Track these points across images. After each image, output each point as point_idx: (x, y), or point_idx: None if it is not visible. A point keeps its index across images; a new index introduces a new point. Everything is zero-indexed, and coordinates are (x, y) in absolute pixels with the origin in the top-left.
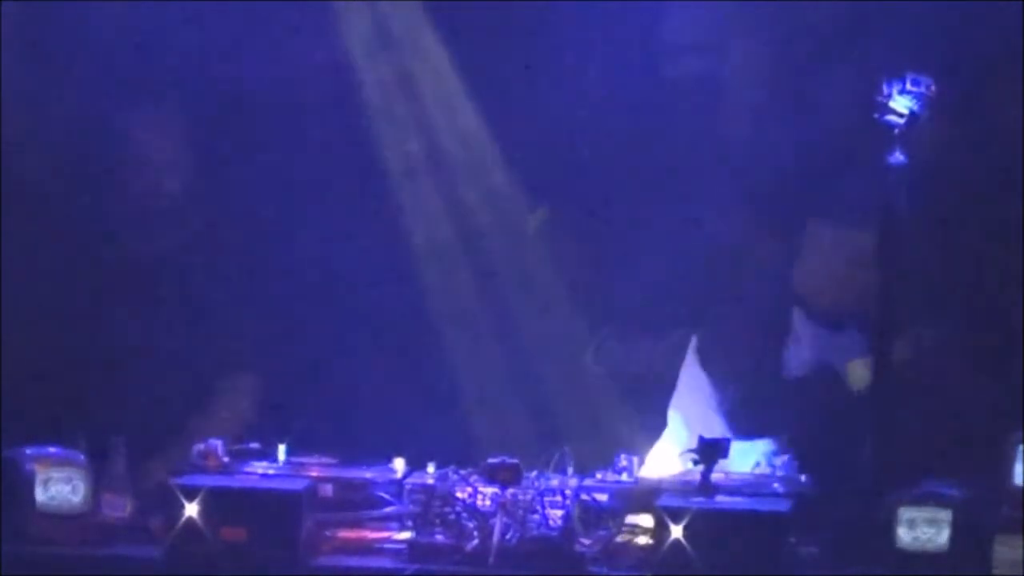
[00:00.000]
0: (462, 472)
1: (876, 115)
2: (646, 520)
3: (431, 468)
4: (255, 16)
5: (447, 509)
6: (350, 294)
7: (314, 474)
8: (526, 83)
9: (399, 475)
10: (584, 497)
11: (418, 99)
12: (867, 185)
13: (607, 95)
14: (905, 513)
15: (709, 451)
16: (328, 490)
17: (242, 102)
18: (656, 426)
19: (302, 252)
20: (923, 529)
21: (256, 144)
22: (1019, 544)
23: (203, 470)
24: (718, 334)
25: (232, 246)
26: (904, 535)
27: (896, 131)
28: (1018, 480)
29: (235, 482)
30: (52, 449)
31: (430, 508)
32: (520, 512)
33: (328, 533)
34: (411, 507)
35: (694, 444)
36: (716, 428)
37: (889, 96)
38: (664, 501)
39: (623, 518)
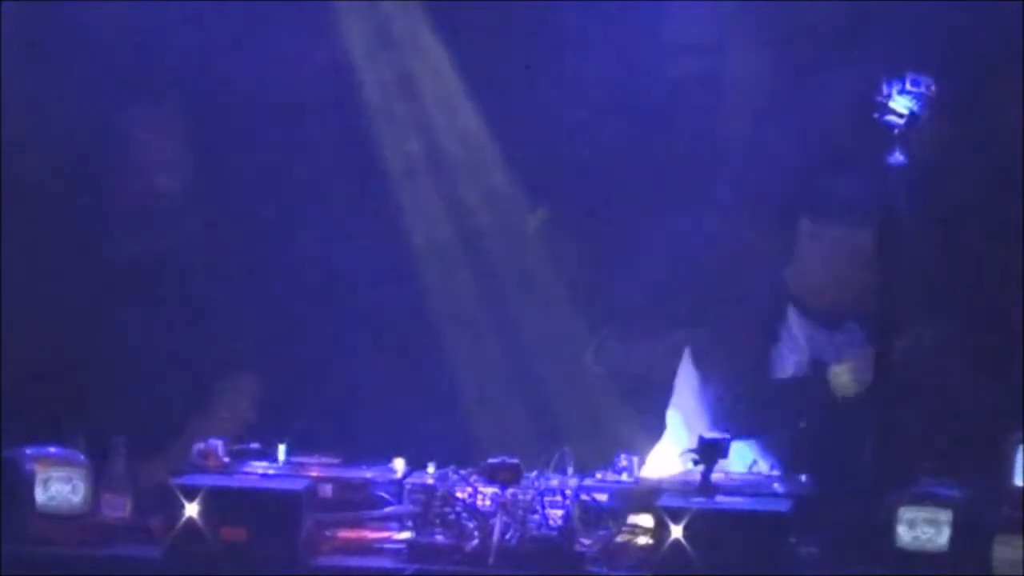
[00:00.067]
0: (462, 472)
1: (876, 115)
2: (646, 520)
3: (431, 468)
4: (255, 16)
5: (447, 509)
6: (350, 294)
7: (314, 474)
8: (526, 83)
9: (399, 475)
10: (584, 497)
11: (418, 99)
12: (867, 185)
13: (607, 95)
14: (905, 513)
15: (709, 451)
16: (328, 490)
17: (242, 102)
18: (656, 426)
19: (302, 252)
20: (923, 529)
21: (256, 144)
22: (1019, 544)
23: (203, 470)
24: (718, 334)
25: (232, 246)
26: (904, 535)
27: (896, 131)
28: (1018, 480)
29: (235, 482)
30: (52, 449)
31: (430, 508)
32: (520, 512)
33: (328, 533)
34: (411, 507)
35: (693, 444)
36: (714, 428)
37: (889, 96)
38: (664, 501)
39: (623, 518)
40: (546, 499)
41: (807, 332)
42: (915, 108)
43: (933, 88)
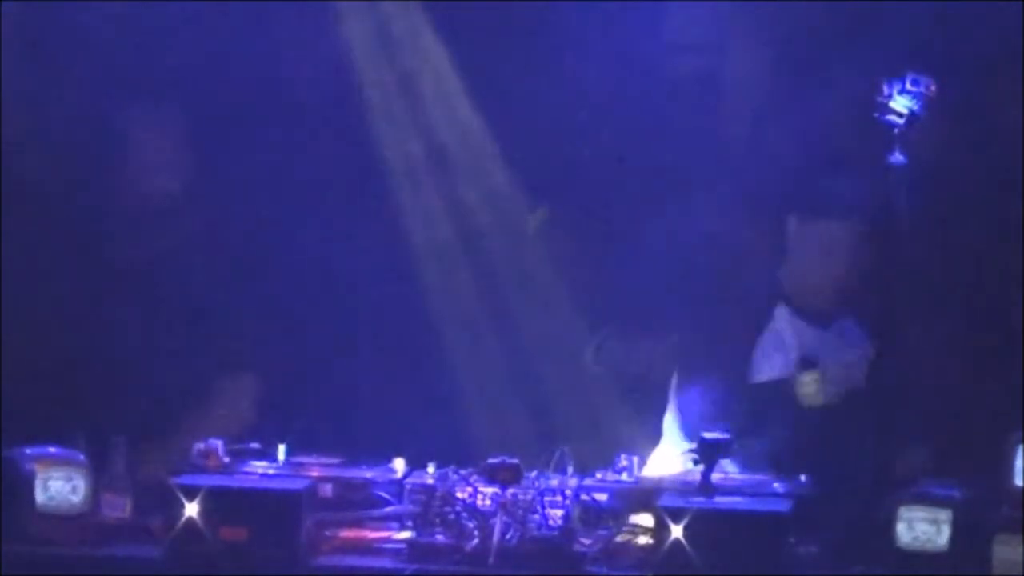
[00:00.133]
0: (462, 472)
1: (876, 115)
2: (646, 520)
3: (431, 468)
4: (255, 16)
5: (447, 509)
6: (350, 294)
7: (314, 474)
8: (526, 83)
9: (399, 475)
10: (584, 497)
11: (418, 99)
12: (865, 184)
13: (607, 95)
14: (905, 513)
15: (709, 451)
16: (328, 490)
17: (242, 102)
18: (656, 426)
19: (302, 252)
20: (923, 529)
21: (256, 144)
22: (1019, 544)
23: (203, 470)
24: (718, 334)
25: (232, 246)
26: (904, 535)
27: (896, 131)
28: (1018, 480)
29: (235, 482)
30: (52, 449)
31: (430, 508)
32: (520, 512)
33: (328, 533)
34: (411, 507)
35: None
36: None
37: (889, 96)
38: (664, 501)
39: (623, 518)
40: (546, 499)
41: (801, 331)
42: (915, 108)
43: (933, 88)
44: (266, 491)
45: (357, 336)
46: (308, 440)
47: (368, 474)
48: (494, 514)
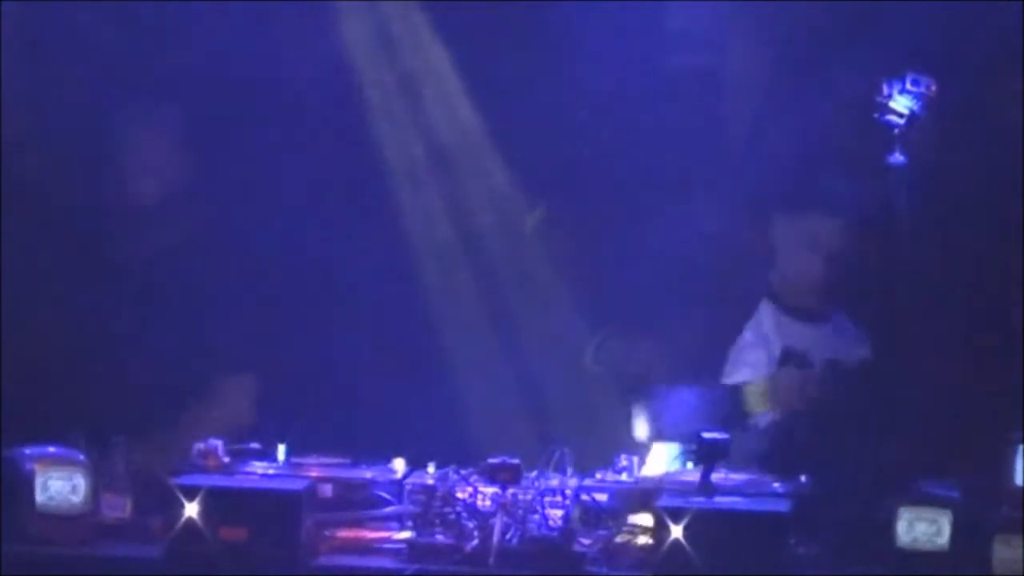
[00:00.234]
0: (462, 472)
1: (876, 115)
2: (646, 520)
3: (431, 468)
4: (255, 16)
5: (447, 509)
6: (350, 294)
7: (314, 474)
8: (526, 83)
9: (399, 475)
10: (584, 497)
11: (418, 99)
12: (867, 184)
13: (607, 95)
14: (905, 513)
15: (709, 451)
16: (328, 490)
17: (242, 102)
18: (655, 426)
19: (302, 252)
20: (923, 529)
21: (256, 144)
22: (1019, 544)
23: (203, 470)
24: (718, 334)
25: (232, 246)
26: (904, 535)
27: (896, 131)
28: (1018, 480)
29: (235, 482)
30: (52, 449)
31: (430, 508)
32: (520, 512)
33: (328, 533)
34: (411, 507)
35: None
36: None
37: (889, 96)
38: (664, 501)
39: (623, 518)
40: (546, 499)
41: (786, 328)
42: (915, 108)
43: (933, 88)
44: (266, 491)
45: (357, 336)
46: (308, 440)
47: (368, 474)
48: (494, 514)
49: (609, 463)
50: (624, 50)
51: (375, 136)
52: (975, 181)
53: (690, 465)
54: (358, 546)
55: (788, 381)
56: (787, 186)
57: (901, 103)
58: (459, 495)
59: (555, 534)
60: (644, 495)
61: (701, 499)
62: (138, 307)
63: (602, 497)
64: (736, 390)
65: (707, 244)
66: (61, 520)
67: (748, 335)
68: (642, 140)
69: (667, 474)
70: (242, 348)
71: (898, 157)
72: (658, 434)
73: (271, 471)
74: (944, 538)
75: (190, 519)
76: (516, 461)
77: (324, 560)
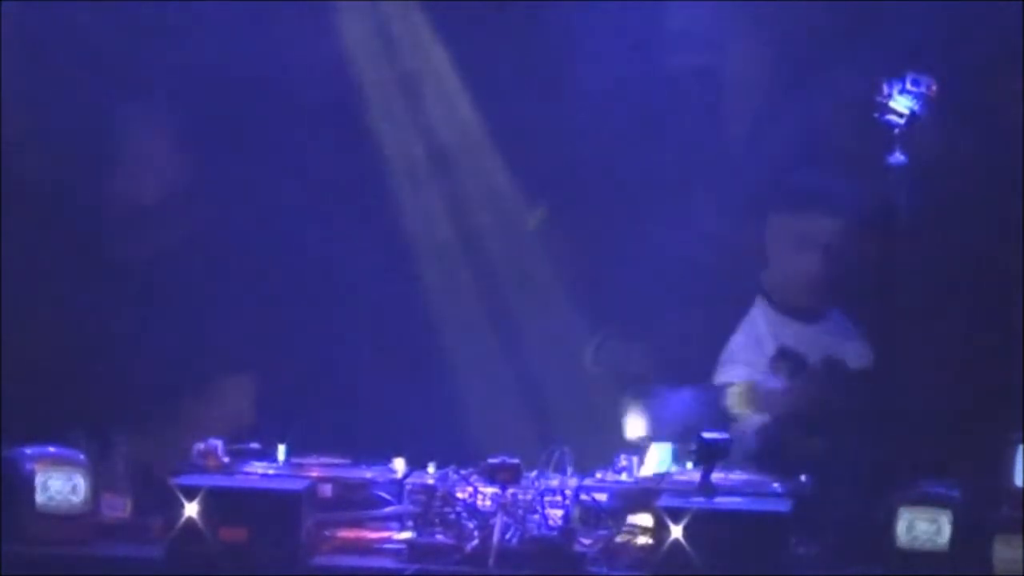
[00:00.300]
0: (462, 472)
1: (876, 115)
2: (646, 520)
3: (431, 468)
4: (255, 16)
5: (447, 509)
6: (350, 294)
7: (314, 474)
8: (526, 83)
9: (399, 475)
10: (584, 497)
11: (418, 99)
12: (866, 184)
13: (608, 95)
14: (905, 513)
15: (709, 451)
16: (328, 490)
17: (242, 102)
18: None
19: (302, 252)
20: (923, 529)
21: (256, 144)
22: (1019, 544)
23: (203, 470)
24: (719, 333)
25: (232, 246)
26: (904, 535)
27: (896, 131)
28: (1018, 480)
29: (235, 482)
30: (52, 449)
31: (430, 508)
32: (520, 512)
33: (328, 533)
34: (411, 507)
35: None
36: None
37: (889, 96)
38: (664, 501)
39: (623, 518)
40: (546, 499)
41: (783, 329)
42: (915, 108)
43: (933, 88)
44: (266, 491)
45: (357, 336)
46: (308, 440)
47: (368, 474)
48: (494, 514)
49: (609, 463)
50: (624, 50)
51: (375, 136)
52: (975, 181)
53: (689, 465)
54: (358, 546)
55: (771, 385)
56: (787, 186)
57: (901, 103)
58: (459, 495)
59: (555, 534)
60: (644, 495)
61: (701, 499)
62: (138, 307)
63: (602, 497)
64: (723, 391)
65: (708, 244)
66: (61, 520)
67: (740, 335)
68: (642, 140)
69: (668, 473)
70: (242, 348)
71: (898, 157)
72: (651, 434)
73: (271, 471)
74: (944, 538)
75: (190, 519)
76: (516, 461)
77: (324, 560)
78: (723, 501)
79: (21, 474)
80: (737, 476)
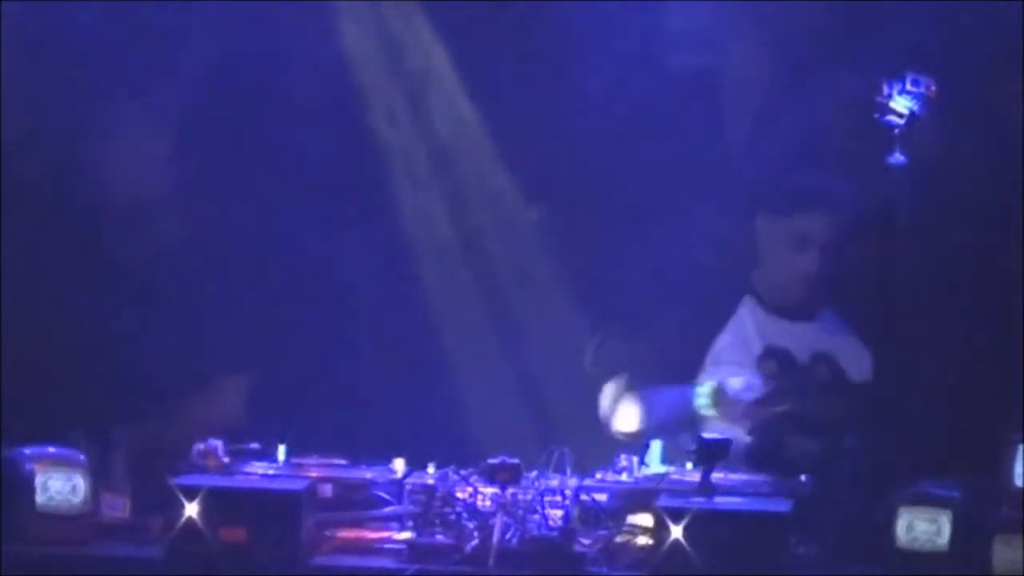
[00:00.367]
0: (462, 472)
1: (876, 115)
2: (646, 520)
3: (431, 468)
4: (255, 16)
5: (447, 509)
6: (350, 294)
7: (314, 474)
8: (526, 83)
9: (399, 475)
10: (584, 497)
11: (418, 99)
12: (866, 184)
13: (608, 95)
14: (905, 513)
15: (709, 451)
16: (328, 490)
17: (242, 102)
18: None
19: (302, 251)
20: (923, 529)
21: (256, 144)
22: (1019, 544)
23: (203, 470)
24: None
25: (231, 246)
26: (904, 535)
27: (896, 131)
28: (1018, 480)
29: (235, 482)
30: (52, 449)
31: (430, 508)
32: (520, 512)
33: (328, 533)
34: (411, 507)
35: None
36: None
37: (889, 96)
38: (664, 501)
39: (623, 518)
40: (546, 499)
41: (772, 328)
42: (915, 108)
43: (933, 88)
44: (266, 491)
45: (357, 336)
46: (308, 440)
47: (368, 474)
48: (494, 514)
49: (609, 463)
50: (624, 50)
51: (375, 136)
52: (975, 181)
53: (689, 466)
54: (358, 546)
55: (739, 391)
56: (780, 185)
57: (901, 103)
58: (459, 495)
59: (555, 534)
60: (644, 495)
61: (701, 499)
62: (138, 307)
63: (602, 497)
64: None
65: (709, 244)
66: (61, 520)
67: (727, 335)
68: (642, 140)
69: (668, 473)
70: (242, 348)
71: (898, 157)
72: (640, 431)
73: (271, 471)
74: (944, 538)
75: (190, 519)
76: (516, 461)
77: (324, 560)
78: (723, 501)
79: (21, 474)
80: (737, 476)
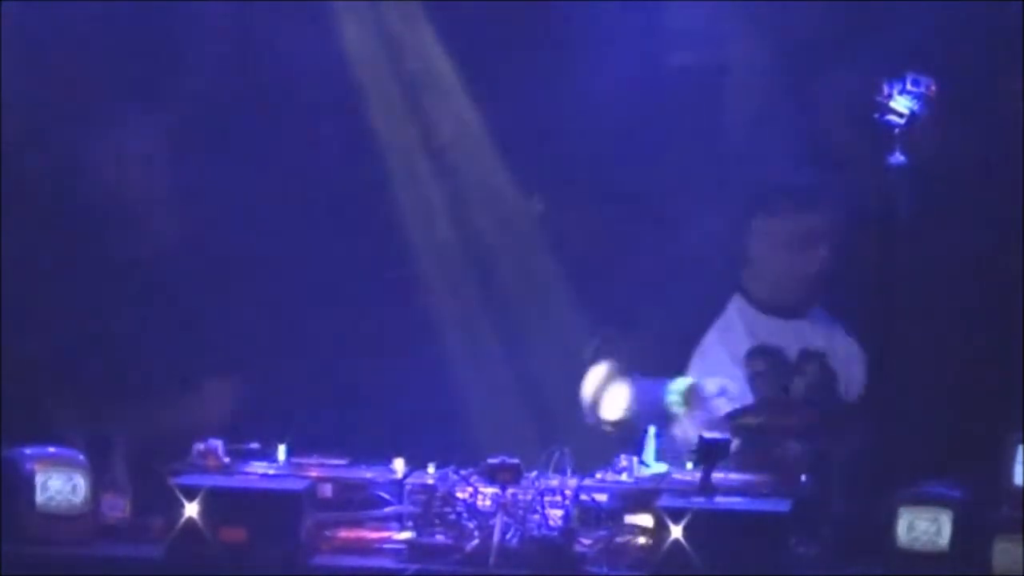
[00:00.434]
0: (462, 472)
1: (876, 115)
2: (646, 520)
3: (431, 468)
4: (255, 17)
5: (447, 509)
6: (350, 294)
7: (314, 474)
8: (526, 83)
9: (399, 475)
10: (584, 497)
11: (418, 99)
12: (866, 184)
13: (608, 94)
14: (905, 513)
15: (709, 451)
16: (328, 490)
17: (242, 102)
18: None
19: (302, 252)
20: (923, 529)
21: (257, 144)
22: (1019, 544)
23: (203, 470)
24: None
25: (231, 246)
26: (904, 535)
27: (896, 131)
28: (1018, 480)
29: (235, 482)
30: (52, 449)
31: (430, 508)
32: (520, 512)
33: (328, 533)
34: (411, 507)
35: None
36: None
37: (889, 96)
38: (664, 501)
39: (623, 518)
40: (546, 499)
41: (761, 326)
42: (915, 108)
43: (933, 88)
44: (266, 491)
45: (357, 336)
46: (308, 440)
47: (368, 474)
48: (494, 514)
49: (609, 463)
50: (624, 50)
51: (375, 136)
52: (975, 181)
53: (689, 465)
54: (358, 546)
55: (710, 390)
56: (774, 184)
57: (901, 103)
58: (459, 495)
59: (555, 534)
60: (644, 495)
61: (701, 499)
62: (138, 307)
63: (602, 497)
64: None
65: (710, 244)
66: (61, 520)
67: (714, 332)
68: (642, 140)
69: (668, 473)
70: (242, 348)
71: (898, 157)
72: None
73: (271, 471)
74: (944, 538)
75: (190, 519)
76: (516, 461)
77: (324, 560)
78: (723, 501)
79: (21, 474)
80: (737, 476)
